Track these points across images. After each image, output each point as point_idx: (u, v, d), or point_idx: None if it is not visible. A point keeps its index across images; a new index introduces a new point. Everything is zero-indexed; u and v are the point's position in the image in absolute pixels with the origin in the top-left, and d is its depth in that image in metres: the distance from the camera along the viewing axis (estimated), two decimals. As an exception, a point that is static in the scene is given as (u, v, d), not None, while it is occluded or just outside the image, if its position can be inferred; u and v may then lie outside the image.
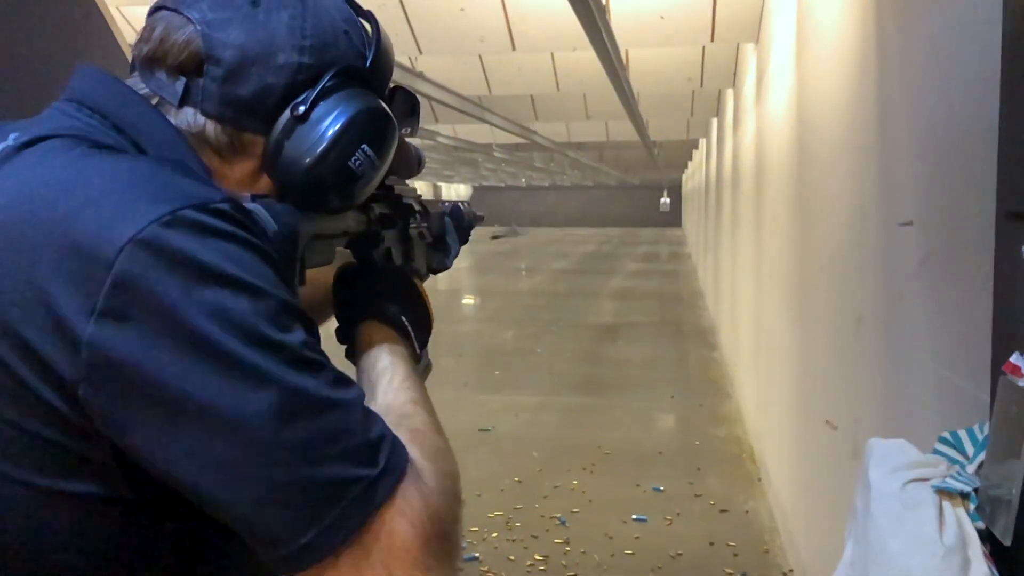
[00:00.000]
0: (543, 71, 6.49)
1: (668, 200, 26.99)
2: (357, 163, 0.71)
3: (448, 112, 7.56)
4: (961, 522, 0.87)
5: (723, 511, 3.95)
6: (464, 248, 1.11)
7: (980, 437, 0.93)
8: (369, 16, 0.77)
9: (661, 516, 3.90)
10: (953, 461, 0.96)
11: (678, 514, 3.92)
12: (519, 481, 4.35)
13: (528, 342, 8.52)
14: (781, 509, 3.64)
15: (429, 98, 6.09)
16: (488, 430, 5.26)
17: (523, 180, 29.51)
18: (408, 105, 0.83)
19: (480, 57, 6.32)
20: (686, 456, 4.79)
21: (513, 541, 3.64)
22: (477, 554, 3.49)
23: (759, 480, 4.29)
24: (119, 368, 0.55)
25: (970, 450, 0.94)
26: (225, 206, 0.61)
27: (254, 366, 0.56)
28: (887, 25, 1.88)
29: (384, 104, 0.75)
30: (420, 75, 5.73)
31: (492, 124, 8.32)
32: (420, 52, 5.39)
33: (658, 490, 4.22)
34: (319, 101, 0.70)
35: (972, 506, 0.89)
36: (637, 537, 3.67)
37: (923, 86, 1.59)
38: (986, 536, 0.88)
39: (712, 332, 8.60)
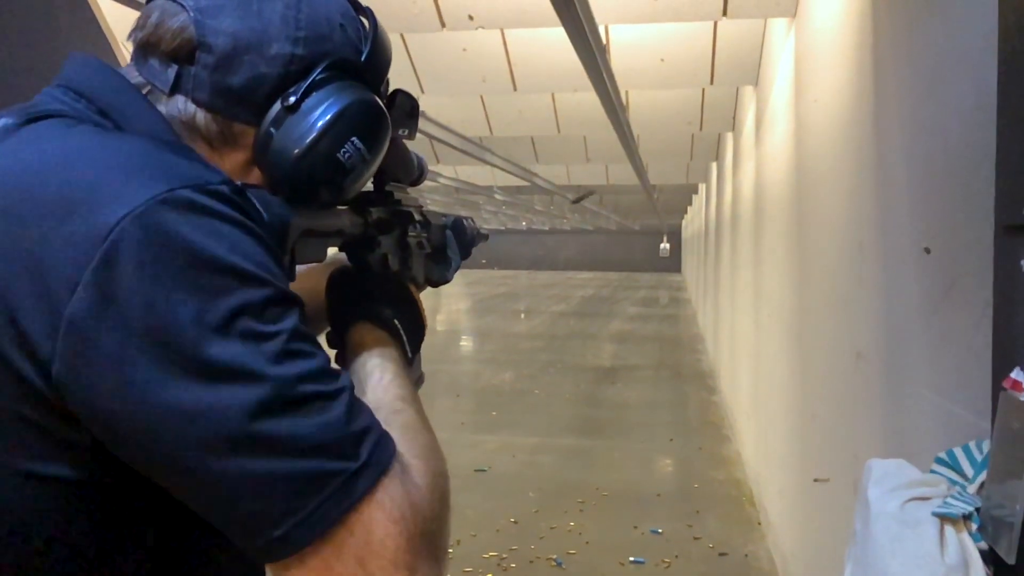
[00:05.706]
0: (544, 113, 6.55)
1: (668, 245, 27.06)
2: (347, 156, 0.70)
3: (450, 153, 7.61)
4: (963, 541, 0.85)
5: (722, 554, 3.89)
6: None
7: (978, 456, 0.91)
8: (368, 12, 0.76)
9: (659, 559, 3.83)
10: (952, 482, 0.94)
11: (676, 557, 3.86)
12: (515, 522, 4.28)
13: (526, 383, 8.47)
14: (781, 553, 3.58)
15: (431, 138, 6.14)
16: (484, 470, 5.20)
17: (523, 223, 29.63)
18: (408, 106, 0.82)
19: (482, 98, 6.38)
20: (685, 499, 4.73)
21: (508, 582, 3.57)
22: (471, 594, 3.43)
23: (759, 524, 4.23)
24: (92, 349, 0.54)
25: (968, 470, 0.92)
26: (223, 188, 0.60)
27: (234, 358, 0.55)
28: (884, 61, 1.90)
29: (378, 99, 0.74)
30: (423, 115, 5.79)
31: (493, 165, 8.38)
32: (423, 92, 5.44)
33: (656, 532, 4.16)
34: (310, 92, 0.69)
35: (975, 526, 0.87)
36: (634, 579, 3.61)
37: (920, 119, 1.60)
38: (988, 557, 0.86)
39: (711, 376, 8.55)
